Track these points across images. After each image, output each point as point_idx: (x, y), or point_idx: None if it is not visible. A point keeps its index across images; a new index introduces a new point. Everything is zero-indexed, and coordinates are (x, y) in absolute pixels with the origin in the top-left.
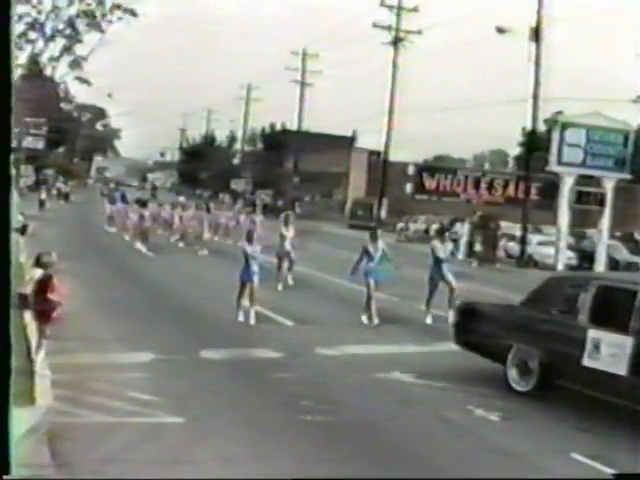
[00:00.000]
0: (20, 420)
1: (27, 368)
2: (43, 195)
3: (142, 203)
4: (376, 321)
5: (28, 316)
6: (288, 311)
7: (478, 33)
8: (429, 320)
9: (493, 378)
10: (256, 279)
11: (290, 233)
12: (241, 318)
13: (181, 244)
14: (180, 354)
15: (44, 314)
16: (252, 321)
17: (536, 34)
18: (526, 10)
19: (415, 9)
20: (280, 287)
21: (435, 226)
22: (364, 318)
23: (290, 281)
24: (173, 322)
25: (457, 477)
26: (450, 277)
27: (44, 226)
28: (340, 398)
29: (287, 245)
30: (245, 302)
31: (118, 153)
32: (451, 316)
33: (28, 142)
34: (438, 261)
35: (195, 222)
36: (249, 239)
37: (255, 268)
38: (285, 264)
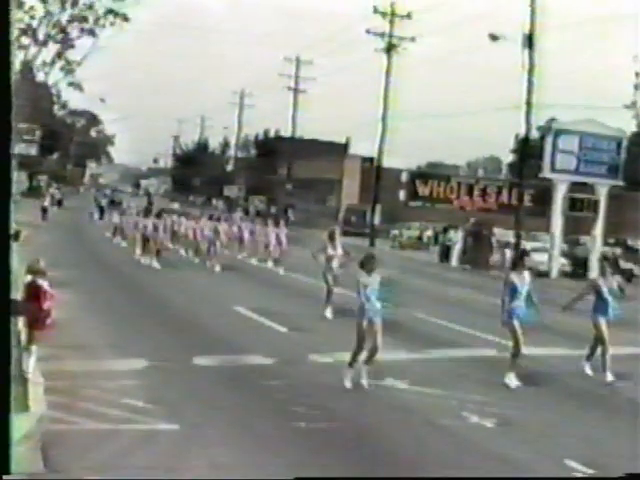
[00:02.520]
0: (14, 427)
1: (21, 375)
2: (46, 202)
3: (157, 214)
4: (514, 383)
5: (20, 323)
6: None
7: (471, 40)
8: (588, 370)
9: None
10: (379, 320)
11: (338, 251)
12: (349, 384)
13: (197, 260)
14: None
15: (34, 320)
16: (364, 382)
17: (529, 41)
18: (519, 17)
19: (408, 16)
20: (329, 314)
21: (454, 233)
22: (509, 378)
23: (329, 314)
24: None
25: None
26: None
27: (40, 233)
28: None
29: (335, 267)
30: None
31: (111, 159)
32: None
33: (21, 148)
34: (603, 301)
35: (210, 234)
36: (366, 266)
37: (376, 305)
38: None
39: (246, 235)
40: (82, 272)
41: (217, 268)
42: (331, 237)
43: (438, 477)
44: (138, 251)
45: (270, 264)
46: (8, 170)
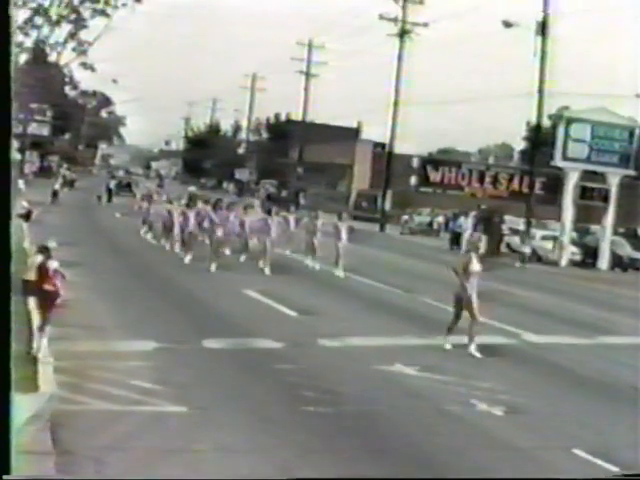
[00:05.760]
0: (23, 407)
1: (31, 355)
2: (57, 185)
3: (215, 204)
4: None
5: (32, 302)
6: None
7: (484, 26)
8: None
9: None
10: None
11: (477, 267)
12: None
13: (242, 257)
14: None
15: (45, 301)
16: None
17: (542, 28)
18: (533, 4)
19: (421, 1)
20: (449, 346)
21: (465, 220)
22: None
23: (475, 351)
24: None
25: (457, 477)
26: None
27: (51, 214)
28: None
29: (472, 286)
30: None
31: (123, 141)
32: None
33: (33, 128)
34: None
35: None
36: None
37: None
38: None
39: (292, 226)
40: (97, 258)
41: (267, 270)
42: (472, 248)
43: (441, 478)
44: (177, 247)
45: (310, 262)
46: (8, 149)
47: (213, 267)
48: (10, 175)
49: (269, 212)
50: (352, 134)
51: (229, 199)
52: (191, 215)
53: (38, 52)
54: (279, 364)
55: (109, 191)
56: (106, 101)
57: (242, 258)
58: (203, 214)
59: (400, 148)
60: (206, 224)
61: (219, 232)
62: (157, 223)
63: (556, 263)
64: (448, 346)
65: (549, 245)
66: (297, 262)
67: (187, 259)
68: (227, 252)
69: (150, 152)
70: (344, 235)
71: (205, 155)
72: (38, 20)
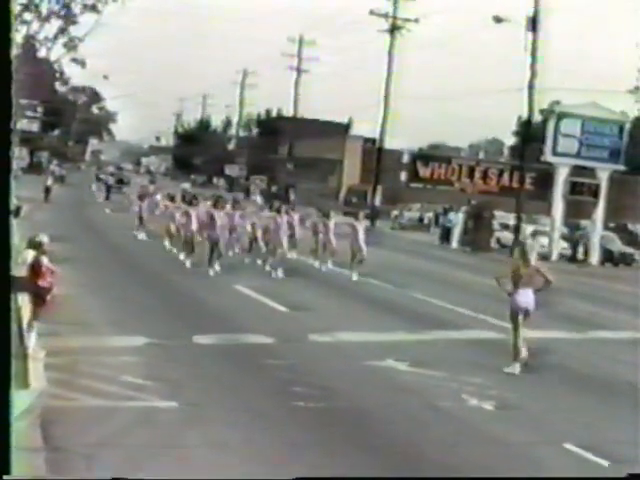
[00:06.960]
0: (14, 403)
1: (21, 351)
2: (49, 181)
3: (216, 202)
4: None
5: (22, 299)
6: None
7: (475, 22)
8: None
9: None
10: None
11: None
12: None
13: (247, 259)
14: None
15: (36, 297)
16: None
17: (533, 24)
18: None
19: None
20: (517, 370)
21: (455, 215)
22: None
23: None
24: None
25: (456, 476)
26: None
27: (40, 209)
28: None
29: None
30: None
31: (113, 136)
32: None
33: (23, 124)
34: None
35: (271, 228)
36: None
37: None
38: None
39: (297, 228)
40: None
41: (279, 273)
42: (522, 254)
43: (438, 477)
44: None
45: (324, 264)
46: (8, 147)
47: (215, 268)
48: (10, 174)
49: (278, 211)
50: (342, 130)
51: (232, 197)
52: (193, 214)
53: (28, 48)
54: (271, 360)
55: (108, 188)
56: (96, 97)
57: (248, 260)
58: (207, 213)
59: (390, 143)
60: (209, 222)
61: (223, 232)
62: (150, 222)
63: (547, 258)
64: (516, 371)
65: (540, 240)
66: (301, 263)
67: (188, 262)
68: (230, 254)
69: (140, 148)
70: (362, 236)
71: (195, 151)
72: (27, 16)
